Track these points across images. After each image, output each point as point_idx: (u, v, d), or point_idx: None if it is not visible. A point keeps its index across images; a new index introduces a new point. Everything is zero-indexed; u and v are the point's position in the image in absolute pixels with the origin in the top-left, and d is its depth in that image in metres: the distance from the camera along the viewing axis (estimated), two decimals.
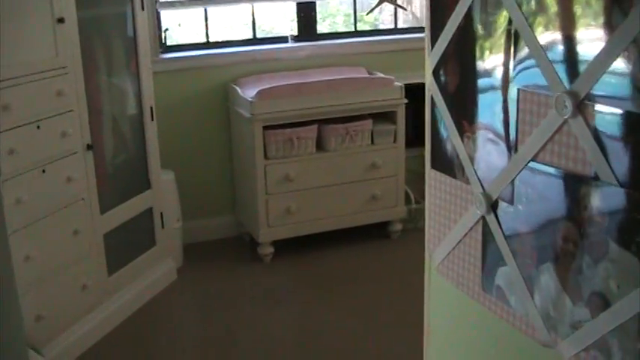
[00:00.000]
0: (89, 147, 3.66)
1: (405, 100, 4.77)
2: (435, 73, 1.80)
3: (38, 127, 3.30)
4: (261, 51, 4.92)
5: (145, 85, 4.17)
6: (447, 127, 1.77)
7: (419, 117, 5.19)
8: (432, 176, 1.89)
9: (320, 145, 4.65)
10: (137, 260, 4.16)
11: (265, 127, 4.44)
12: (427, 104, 1.85)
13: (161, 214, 4.33)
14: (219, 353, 3.72)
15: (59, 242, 3.51)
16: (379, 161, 4.75)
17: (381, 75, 4.92)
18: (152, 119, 4.23)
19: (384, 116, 4.81)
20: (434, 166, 1.87)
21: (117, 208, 3.98)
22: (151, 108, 4.21)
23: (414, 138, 5.17)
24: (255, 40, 5.00)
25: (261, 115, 4.40)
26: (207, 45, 4.89)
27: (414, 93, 4.87)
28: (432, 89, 1.81)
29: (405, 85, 4.77)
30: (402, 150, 4.85)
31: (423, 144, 5.35)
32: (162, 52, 4.71)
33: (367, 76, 4.94)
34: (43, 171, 3.36)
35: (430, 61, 1.81)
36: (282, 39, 5.06)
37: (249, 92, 4.52)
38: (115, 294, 3.97)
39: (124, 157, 4.22)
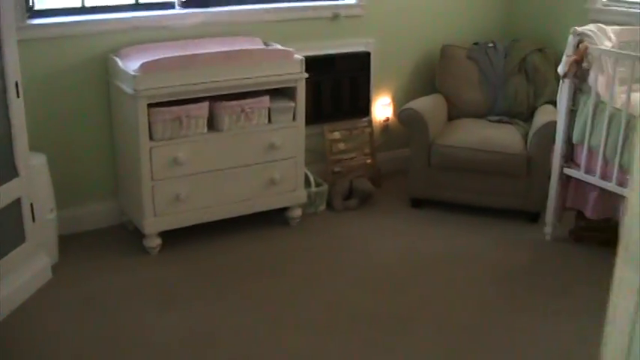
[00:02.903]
0: None
1: (306, 75, 4.37)
2: None
3: None
4: (145, 18, 4.39)
5: (9, 55, 3.57)
6: None
7: (318, 92, 4.93)
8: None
9: (212, 125, 4.20)
10: (3, 260, 3.61)
11: (150, 105, 3.94)
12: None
13: (31, 204, 3.79)
14: None
15: None
16: (277, 142, 4.35)
17: (279, 46, 4.50)
18: (18, 96, 3.64)
19: (282, 92, 4.40)
20: None
21: None
22: (17, 83, 3.63)
23: (313, 115, 4.83)
24: (137, 5, 4.46)
25: (145, 91, 3.90)
26: (83, 10, 4.31)
27: (313, 66, 4.51)
28: None
29: (305, 57, 4.38)
30: (302, 129, 4.46)
31: (323, 121, 5.06)
32: (30, 17, 4.10)
33: (263, 47, 4.51)
34: None
35: None
36: (169, 4, 4.52)
37: (131, 65, 4.01)
38: None
39: None
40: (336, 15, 4.95)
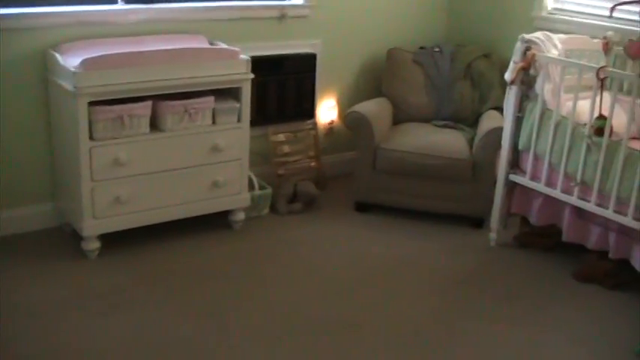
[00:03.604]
0: None
1: (252, 75, 4.28)
2: None
3: None
4: (87, 13, 4.23)
5: None
6: None
7: (263, 93, 4.84)
8: None
9: (155, 125, 4.08)
10: None
11: (91, 103, 3.80)
12: None
13: None
14: None
15: None
16: (221, 143, 4.25)
17: (224, 46, 4.40)
18: None
19: (227, 93, 4.31)
20: None
21: None
22: None
23: (258, 116, 4.75)
24: (79, 0, 4.31)
25: (86, 89, 3.76)
26: (21, 1, 4.14)
27: (258, 66, 4.43)
28: None
29: (250, 57, 4.30)
30: (247, 131, 4.38)
31: (267, 123, 5.00)
32: None
33: (209, 46, 4.40)
34: None
35: None
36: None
37: (71, 61, 3.86)
38: None
39: None
40: (282, 15, 4.87)
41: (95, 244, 4.04)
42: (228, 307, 3.69)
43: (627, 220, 3.77)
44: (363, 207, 4.88)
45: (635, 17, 4.40)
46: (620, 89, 4.07)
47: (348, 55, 5.30)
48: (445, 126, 5.05)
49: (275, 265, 4.15)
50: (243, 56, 4.25)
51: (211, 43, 4.47)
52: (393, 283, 4.03)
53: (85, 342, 3.34)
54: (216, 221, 4.47)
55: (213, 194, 4.31)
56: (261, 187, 4.71)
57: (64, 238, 4.25)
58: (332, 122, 5.35)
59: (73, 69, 3.77)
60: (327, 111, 5.32)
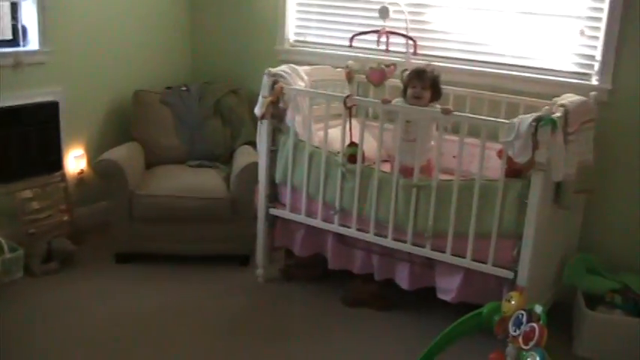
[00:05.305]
0: None
1: None
2: None
3: None
4: None
5: None
6: None
7: (3, 148, 4.51)
8: None
9: None
10: None
11: None
12: None
13: None
14: None
15: None
16: None
17: None
18: None
19: None
20: None
21: None
22: None
23: (0, 173, 4.42)
24: None
25: None
26: None
27: None
28: None
29: None
30: None
31: (11, 179, 4.65)
32: None
33: None
34: None
35: None
36: None
37: None
38: None
39: None
40: (17, 63, 4.55)
41: None
42: None
43: (387, 242, 3.90)
44: (124, 258, 4.67)
45: (373, 46, 4.60)
46: (366, 115, 4.21)
47: (93, 100, 5.08)
48: (200, 165, 4.98)
49: (35, 335, 3.81)
50: None
51: None
52: (164, 335, 3.86)
53: None
54: None
55: None
56: (12, 250, 4.37)
57: None
58: (82, 172, 5.09)
59: None
60: (75, 160, 5.05)
